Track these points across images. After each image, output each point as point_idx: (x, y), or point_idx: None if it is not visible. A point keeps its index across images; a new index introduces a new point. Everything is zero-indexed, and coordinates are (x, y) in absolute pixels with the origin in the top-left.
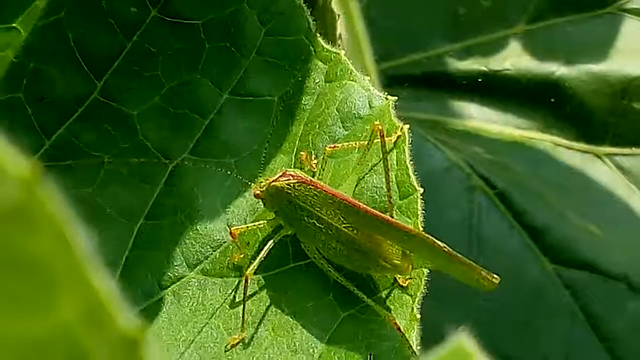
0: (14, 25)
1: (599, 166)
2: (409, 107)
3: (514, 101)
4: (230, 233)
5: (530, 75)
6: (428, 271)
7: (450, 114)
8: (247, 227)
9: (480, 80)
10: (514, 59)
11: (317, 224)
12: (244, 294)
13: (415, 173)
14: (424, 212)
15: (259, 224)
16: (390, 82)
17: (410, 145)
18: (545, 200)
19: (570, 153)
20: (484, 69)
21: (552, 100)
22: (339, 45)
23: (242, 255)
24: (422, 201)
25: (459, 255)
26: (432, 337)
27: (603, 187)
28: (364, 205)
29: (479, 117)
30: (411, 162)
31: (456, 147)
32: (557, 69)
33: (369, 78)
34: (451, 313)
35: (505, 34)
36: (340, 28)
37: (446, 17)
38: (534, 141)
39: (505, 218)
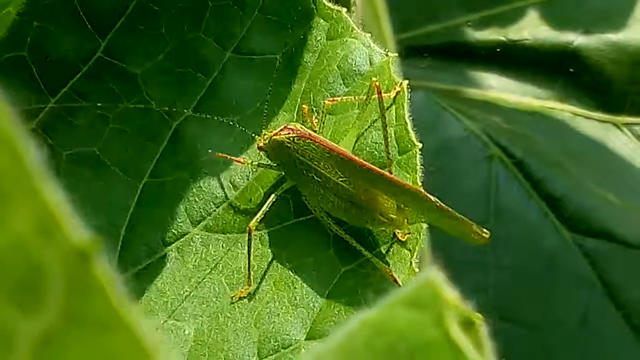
0: None
1: (618, 135)
2: (428, 77)
3: (533, 71)
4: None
5: (548, 45)
6: (426, 226)
7: (468, 84)
8: (250, 163)
9: (498, 50)
10: (532, 28)
11: (315, 178)
12: (249, 247)
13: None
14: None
15: (260, 164)
16: (409, 52)
17: (409, 101)
18: (563, 170)
19: (589, 122)
20: (503, 39)
21: (571, 69)
22: (353, 11)
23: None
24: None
25: (450, 210)
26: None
27: (621, 156)
28: (360, 160)
29: (497, 87)
30: (410, 118)
31: (475, 117)
32: (576, 39)
33: (369, 35)
34: (470, 281)
35: (524, 4)
36: None
37: None
38: (552, 111)
39: (524, 187)
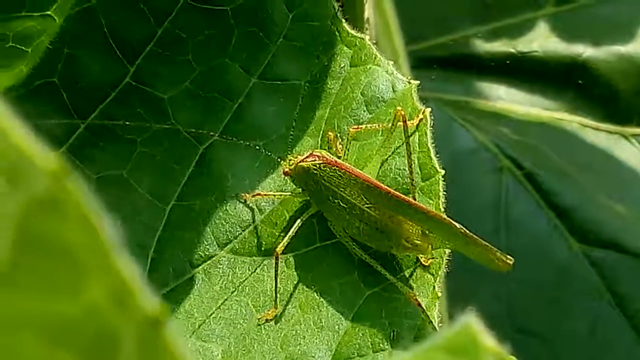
0: (48, 12)
1: (626, 146)
2: (438, 88)
3: (542, 83)
4: (257, 194)
5: (557, 57)
6: (449, 251)
7: (478, 95)
8: (274, 194)
9: (508, 62)
10: (541, 40)
11: (341, 204)
12: (276, 271)
13: (438, 155)
14: (446, 193)
15: (286, 194)
16: (419, 64)
17: (432, 128)
18: (572, 181)
19: (598, 134)
20: (512, 50)
21: (580, 81)
22: (366, 29)
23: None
24: (445, 183)
25: (475, 236)
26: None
27: (630, 168)
28: (385, 187)
29: (506, 99)
30: (433, 145)
31: (484, 128)
32: (585, 51)
33: (394, 62)
34: (481, 292)
35: (533, 16)
36: (369, 11)
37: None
38: (561, 122)
39: (533, 198)
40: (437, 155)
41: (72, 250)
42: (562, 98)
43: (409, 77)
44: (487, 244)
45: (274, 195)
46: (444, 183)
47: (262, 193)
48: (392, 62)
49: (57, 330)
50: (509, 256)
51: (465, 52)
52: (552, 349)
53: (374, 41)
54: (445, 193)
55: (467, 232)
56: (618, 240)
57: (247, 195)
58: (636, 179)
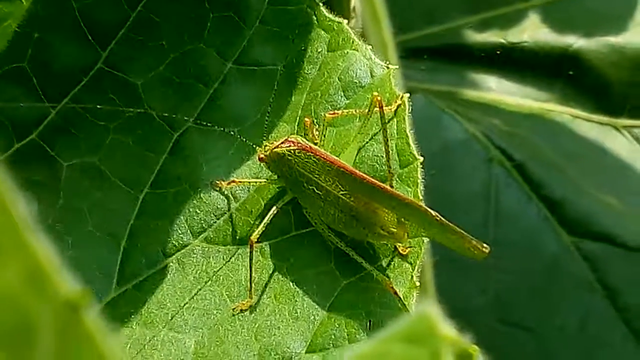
0: None
1: (617, 138)
2: (427, 79)
3: (532, 73)
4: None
5: (548, 48)
6: (427, 240)
7: (468, 86)
8: (249, 181)
9: (498, 52)
10: (532, 31)
11: (316, 190)
12: (250, 260)
13: (417, 143)
14: (434, 183)
15: (261, 181)
16: (409, 54)
17: (410, 114)
18: (563, 172)
19: (589, 125)
20: (502, 41)
21: (571, 72)
22: (353, 17)
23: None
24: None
25: (450, 224)
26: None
27: (621, 159)
28: (360, 173)
29: (497, 90)
30: (412, 132)
31: (474, 119)
32: (576, 41)
33: (370, 47)
34: (470, 284)
35: (524, 6)
36: (355, 0)
37: None
38: (552, 113)
39: (523, 190)
40: (416, 143)
41: None
42: (552, 89)
43: (386, 62)
44: (462, 231)
45: (249, 183)
46: (423, 170)
47: (237, 180)
48: (370, 47)
49: None
50: (484, 244)
51: (455, 43)
52: (541, 343)
53: (361, 29)
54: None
55: (443, 219)
56: (609, 233)
57: (222, 182)
58: (627, 170)
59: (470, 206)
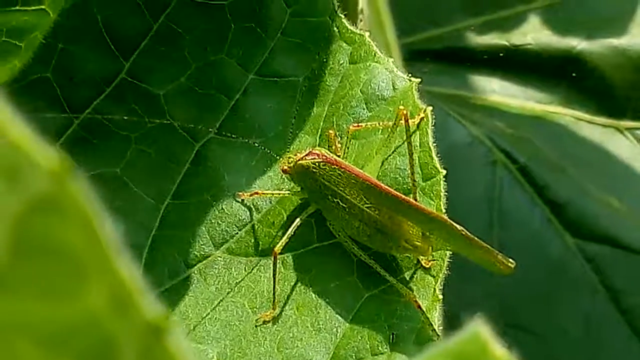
0: (43, 7)
1: (621, 140)
2: (431, 81)
3: (535, 76)
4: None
5: (551, 50)
6: (450, 253)
7: (471, 88)
8: (272, 193)
9: (501, 54)
10: (535, 33)
11: (340, 203)
12: (274, 271)
13: (436, 146)
14: (445, 187)
15: (284, 193)
16: (412, 56)
17: (433, 121)
18: (566, 175)
19: (592, 127)
20: (505, 43)
21: (574, 74)
22: (361, 21)
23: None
24: (445, 181)
25: (476, 238)
26: (455, 310)
27: (624, 161)
28: (385, 186)
29: (500, 92)
30: (434, 145)
31: (478, 122)
32: (578, 44)
33: (392, 60)
34: (474, 287)
35: (526, 9)
36: (362, 3)
37: None
38: (555, 115)
39: (527, 192)
40: (438, 155)
41: (72, 252)
42: (555, 91)
43: (403, 71)
44: (488, 246)
45: (272, 194)
46: (445, 183)
47: (260, 192)
48: (391, 60)
49: (55, 336)
50: (510, 259)
51: (458, 45)
52: (545, 345)
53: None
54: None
55: (469, 234)
56: (613, 235)
57: (245, 194)
58: (631, 172)
59: (473, 209)
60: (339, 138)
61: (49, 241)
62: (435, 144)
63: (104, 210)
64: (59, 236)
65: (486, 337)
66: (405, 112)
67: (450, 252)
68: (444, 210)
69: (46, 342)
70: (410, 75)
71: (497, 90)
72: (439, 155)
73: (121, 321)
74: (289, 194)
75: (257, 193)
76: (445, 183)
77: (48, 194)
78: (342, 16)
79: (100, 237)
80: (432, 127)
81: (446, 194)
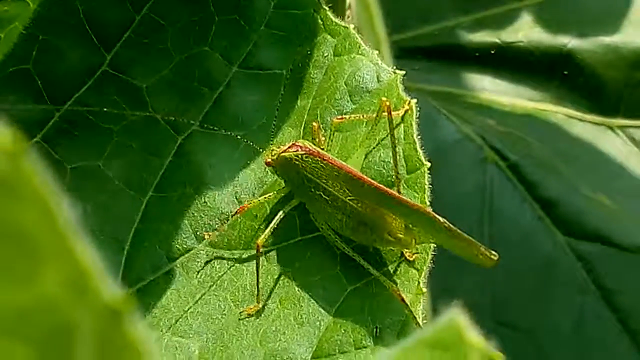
0: None
1: (612, 138)
2: (421, 79)
3: (527, 73)
4: (240, 208)
5: (542, 47)
6: (434, 247)
7: (462, 86)
8: (258, 200)
9: (492, 52)
10: (526, 31)
11: (323, 196)
12: (257, 265)
13: (423, 148)
14: (431, 185)
15: (268, 196)
16: (402, 54)
17: (418, 119)
18: (557, 172)
19: (583, 125)
20: (497, 41)
21: (565, 72)
22: (348, 17)
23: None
24: (430, 175)
25: (459, 231)
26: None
27: (616, 159)
28: (369, 179)
29: (491, 89)
30: (419, 137)
31: (468, 119)
32: (570, 41)
33: (377, 52)
34: (463, 284)
35: (518, 6)
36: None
37: None
38: (546, 113)
39: (518, 190)
40: (422, 147)
41: (27, 235)
42: (547, 89)
43: (393, 67)
44: (471, 239)
45: (258, 201)
46: (429, 175)
47: (246, 204)
48: (376, 52)
49: (10, 321)
50: (493, 252)
51: (449, 42)
52: (536, 343)
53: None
54: (430, 185)
55: (452, 226)
56: (604, 233)
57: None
58: (622, 170)
59: (464, 206)
60: (323, 131)
61: (2, 223)
62: (420, 137)
63: (59, 191)
64: (13, 218)
65: (462, 325)
66: (388, 103)
67: (435, 246)
68: (428, 203)
69: (1, 328)
70: (395, 68)
71: (488, 88)
72: (423, 148)
73: (79, 305)
74: (275, 194)
75: (243, 208)
76: (432, 178)
77: (2, 175)
78: (327, 8)
79: (57, 219)
80: (417, 120)
81: (433, 189)
